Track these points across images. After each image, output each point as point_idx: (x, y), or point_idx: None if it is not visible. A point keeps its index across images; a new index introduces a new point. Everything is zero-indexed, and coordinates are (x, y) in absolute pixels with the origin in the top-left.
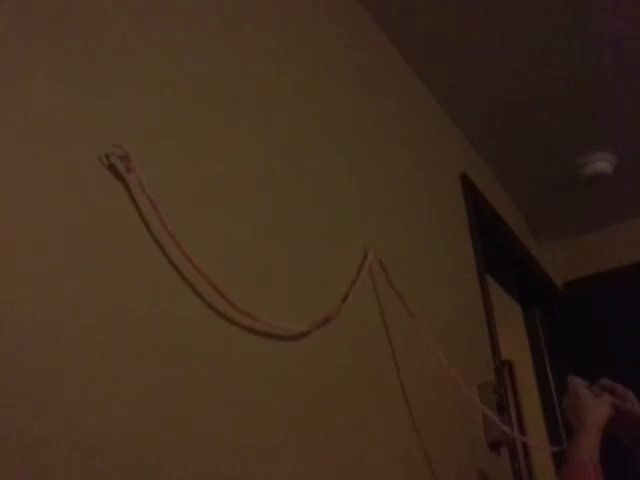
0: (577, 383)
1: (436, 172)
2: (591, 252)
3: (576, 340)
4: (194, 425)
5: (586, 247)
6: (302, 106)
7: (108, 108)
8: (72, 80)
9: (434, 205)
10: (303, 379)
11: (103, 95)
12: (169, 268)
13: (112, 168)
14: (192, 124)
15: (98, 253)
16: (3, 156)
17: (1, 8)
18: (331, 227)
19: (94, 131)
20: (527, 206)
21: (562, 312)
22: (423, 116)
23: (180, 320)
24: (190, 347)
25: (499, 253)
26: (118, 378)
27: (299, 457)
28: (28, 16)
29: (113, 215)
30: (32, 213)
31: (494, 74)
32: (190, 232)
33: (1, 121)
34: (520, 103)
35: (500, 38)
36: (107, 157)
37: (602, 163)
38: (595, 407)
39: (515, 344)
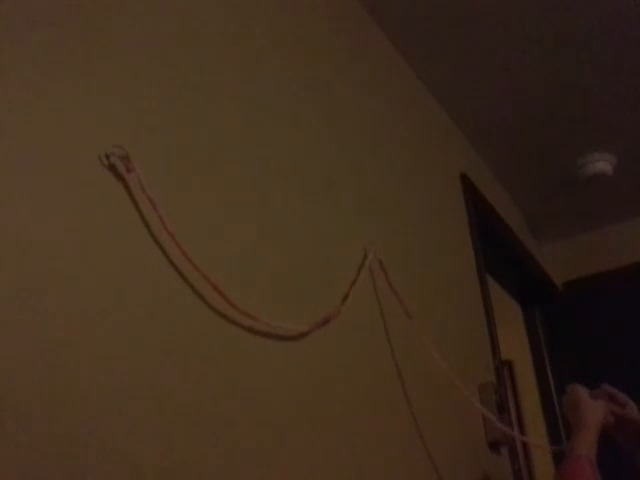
0: (576, 385)
1: (436, 172)
2: (591, 252)
3: (576, 340)
4: (194, 425)
5: (586, 247)
6: (302, 106)
7: (108, 108)
8: (72, 80)
9: (434, 205)
10: (303, 379)
11: (103, 95)
12: (169, 268)
13: (112, 168)
14: (192, 124)
15: (98, 253)
16: (3, 156)
17: (1, 8)
18: (331, 227)
19: (94, 131)
20: (527, 206)
21: (562, 312)
22: (423, 116)
23: (180, 320)
24: (190, 347)
25: (499, 253)
26: (118, 378)
27: (299, 457)
28: (28, 16)
29: (113, 215)
30: (32, 213)
31: (494, 74)
32: (190, 232)
33: (1, 121)
34: (520, 103)
35: (500, 38)
36: (107, 157)
37: (602, 163)
38: (593, 407)
39: (515, 344)
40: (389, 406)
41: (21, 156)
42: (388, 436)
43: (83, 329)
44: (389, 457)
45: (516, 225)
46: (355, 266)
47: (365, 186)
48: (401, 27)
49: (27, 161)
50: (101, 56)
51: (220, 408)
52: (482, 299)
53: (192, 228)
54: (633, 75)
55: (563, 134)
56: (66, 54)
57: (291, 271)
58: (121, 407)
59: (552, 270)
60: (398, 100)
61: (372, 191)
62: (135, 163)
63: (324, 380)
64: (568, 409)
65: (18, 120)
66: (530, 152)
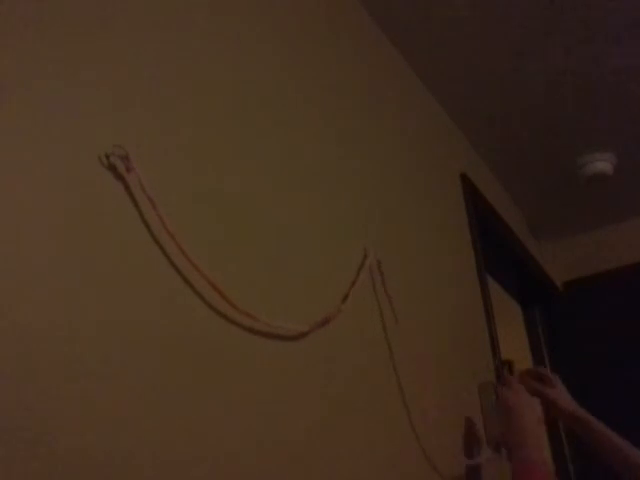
0: (497, 387)
1: (436, 172)
2: (591, 252)
3: (576, 340)
4: (194, 425)
5: (586, 247)
6: (302, 107)
7: (108, 108)
8: (72, 80)
9: (434, 205)
10: (303, 379)
11: (103, 95)
12: (169, 268)
13: (112, 168)
14: (192, 124)
15: (98, 253)
16: (2, 156)
17: (1, 8)
18: (331, 227)
19: (94, 131)
20: (527, 206)
21: (562, 312)
22: (423, 116)
23: (180, 320)
24: (190, 347)
25: (499, 253)
26: (117, 378)
27: (299, 457)
28: (28, 16)
29: (113, 215)
30: (32, 213)
31: (494, 74)
32: (190, 232)
33: (1, 121)
34: (520, 103)
35: (500, 38)
36: (107, 157)
37: (602, 163)
38: (530, 405)
39: (515, 344)
40: (389, 406)
41: (21, 156)
42: (388, 436)
43: (82, 329)
44: (388, 457)
45: (516, 225)
46: (355, 266)
47: (365, 186)
48: (401, 27)
49: (27, 161)
50: (101, 56)
51: (220, 408)
52: (482, 299)
53: (192, 228)
54: (633, 75)
55: (563, 134)
56: (66, 54)
57: (291, 271)
58: (119, 408)
59: (552, 270)
60: (398, 100)
61: (372, 191)
62: (135, 163)
63: (324, 380)
64: (503, 414)
65: (18, 120)
66: (530, 152)
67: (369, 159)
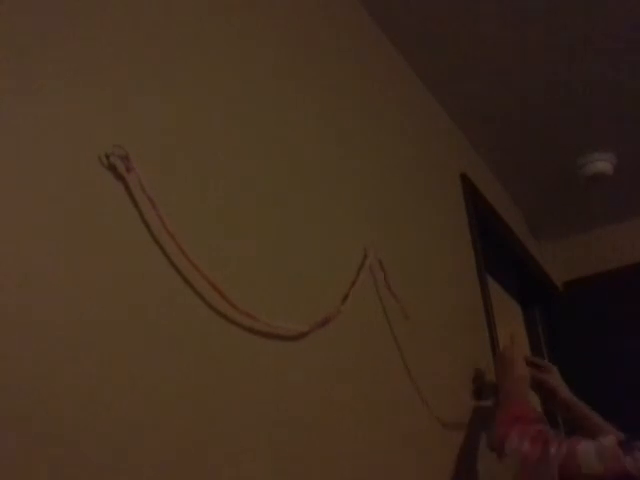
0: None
1: (436, 172)
2: (591, 252)
3: (576, 340)
4: (193, 425)
5: (586, 247)
6: (302, 106)
7: (108, 108)
8: (72, 79)
9: (434, 205)
10: (303, 379)
11: (103, 95)
12: (169, 268)
13: (112, 168)
14: (192, 124)
15: (98, 253)
16: (2, 156)
17: (2, 8)
18: (331, 227)
19: (94, 131)
20: (527, 206)
21: (562, 312)
22: (423, 116)
23: (180, 320)
24: (190, 347)
25: (499, 253)
26: (117, 378)
27: (298, 457)
28: (28, 17)
29: (113, 215)
30: (32, 213)
31: (494, 74)
32: (190, 232)
33: (0, 121)
34: (520, 103)
35: (500, 38)
36: (107, 157)
37: (602, 163)
38: (520, 364)
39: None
40: (389, 406)
41: (21, 156)
42: (388, 436)
43: (82, 329)
44: (389, 457)
45: (516, 225)
46: (355, 266)
47: (365, 186)
48: (401, 27)
49: (27, 161)
50: (101, 56)
51: (220, 408)
52: (482, 299)
53: (192, 228)
54: (633, 75)
55: (563, 134)
56: (66, 53)
57: (291, 271)
58: (119, 408)
59: (552, 270)
60: (398, 100)
61: (372, 191)
62: (135, 163)
63: (324, 380)
64: (497, 363)
65: (18, 120)
66: (530, 152)
67: (369, 159)
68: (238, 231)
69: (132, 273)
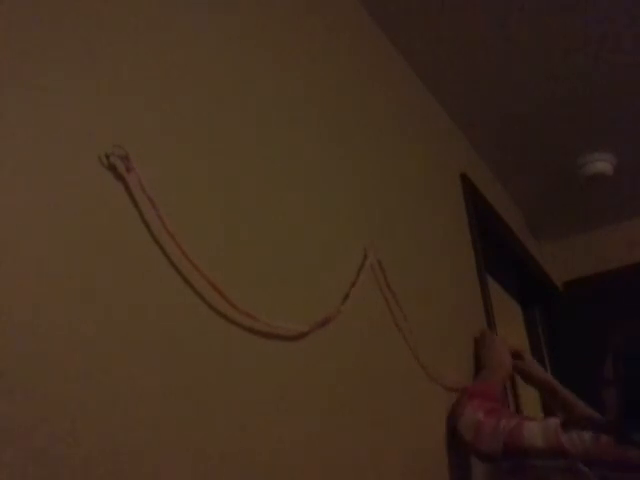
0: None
1: (436, 172)
2: (591, 252)
3: (576, 340)
4: (194, 425)
5: (586, 247)
6: (302, 106)
7: (108, 108)
8: (72, 79)
9: (434, 205)
10: (303, 379)
11: (103, 95)
12: (169, 268)
13: (112, 168)
14: (192, 124)
15: (98, 253)
16: (2, 156)
17: (1, 8)
18: (331, 227)
19: (94, 131)
20: (527, 206)
21: (562, 312)
22: (423, 116)
23: (180, 320)
24: (190, 347)
25: (499, 253)
26: (117, 378)
27: (298, 457)
28: (28, 17)
29: (113, 215)
30: (32, 213)
31: (494, 74)
32: (190, 232)
33: (0, 121)
34: (520, 103)
35: (500, 38)
36: (107, 157)
37: (602, 163)
38: (506, 352)
39: (515, 344)
40: (389, 406)
41: (21, 156)
42: (388, 436)
43: (82, 329)
44: (388, 456)
45: (516, 225)
46: (355, 266)
47: (365, 186)
48: (401, 27)
49: (27, 161)
50: (101, 55)
51: (220, 408)
52: (482, 299)
53: (192, 228)
54: (633, 75)
55: (563, 134)
56: (66, 53)
57: (291, 271)
58: (120, 408)
59: (552, 270)
60: (398, 100)
61: (372, 191)
62: (135, 163)
63: (324, 380)
64: (483, 348)
65: (18, 120)
66: (530, 152)
67: (369, 159)
68: (238, 231)
69: (132, 273)
